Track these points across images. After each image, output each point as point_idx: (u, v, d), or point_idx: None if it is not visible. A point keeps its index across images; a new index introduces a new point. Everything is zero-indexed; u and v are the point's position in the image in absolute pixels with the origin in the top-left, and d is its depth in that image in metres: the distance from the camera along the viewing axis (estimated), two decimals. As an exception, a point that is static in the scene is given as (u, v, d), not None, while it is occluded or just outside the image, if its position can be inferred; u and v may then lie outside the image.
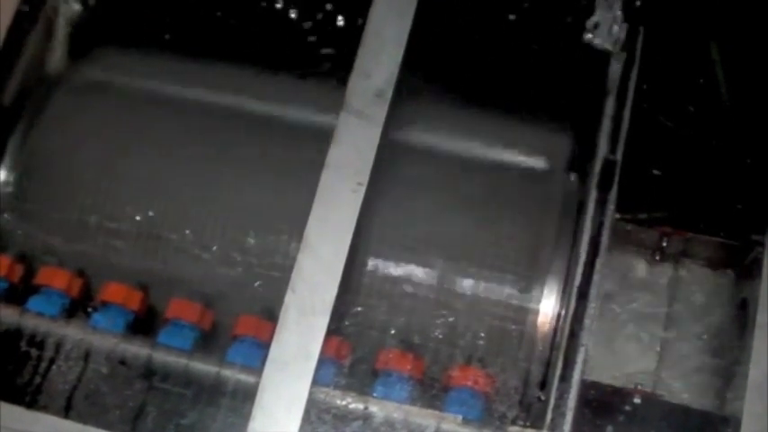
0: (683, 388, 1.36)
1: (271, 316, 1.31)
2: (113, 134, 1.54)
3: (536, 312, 1.38)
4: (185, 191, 1.49)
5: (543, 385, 1.31)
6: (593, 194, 1.36)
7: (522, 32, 1.55)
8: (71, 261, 1.45)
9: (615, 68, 1.43)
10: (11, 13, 1.54)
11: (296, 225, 1.32)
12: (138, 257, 1.47)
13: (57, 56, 1.61)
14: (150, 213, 1.47)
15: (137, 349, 1.33)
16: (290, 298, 1.26)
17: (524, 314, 1.38)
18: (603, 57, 1.45)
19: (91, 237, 1.48)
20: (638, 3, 1.45)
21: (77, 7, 1.62)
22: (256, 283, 1.44)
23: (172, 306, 1.38)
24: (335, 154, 1.33)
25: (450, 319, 1.39)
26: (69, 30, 1.61)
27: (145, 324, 1.41)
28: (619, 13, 1.44)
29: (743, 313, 1.34)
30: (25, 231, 1.50)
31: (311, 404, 1.22)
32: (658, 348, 1.39)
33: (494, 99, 1.50)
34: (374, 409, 1.27)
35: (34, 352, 1.34)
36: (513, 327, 1.38)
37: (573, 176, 1.47)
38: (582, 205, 1.38)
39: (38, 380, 1.33)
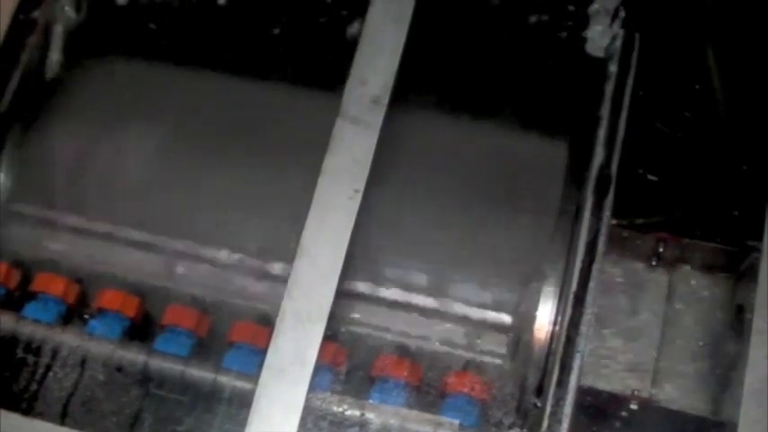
0: (680, 393, 1.36)
1: (267, 322, 1.31)
2: (111, 140, 1.54)
3: (532, 318, 1.38)
4: (183, 197, 1.49)
5: (539, 391, 1.31)
6: (589, 200, 1.36)
7: (519, 39, 1.55)
8: (68, 268, 1.45)
9: (611, 75, 1.43)
10: (8, 17, 1.54)
11: (293, 231, 1.32)
12: (135, 264, 1.47)
13: (54, 62, 1.61)
14: (148, 220, 1.47)
15: (133, 356, 1.33)
16: (286, 304, 1.26)
17: (520, 320, 1.38)
18: (599, 63, 1.45)
19: (88, 243, 1.48)
20: (634, 10, 1.45)
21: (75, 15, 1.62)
22: (253, 289, 1.44)
23: (168, 313, 1.39)
24: (332, 160, 1.33)
25: (447, 325, 1.39)
26: (67, 36, 1.61)
27: (141, 331, 1.41)
28: (614, 20, 1.44)
29: (739, 319, 1.34)
30: (22, 238, 1.50)
31: (308, 411, 1.22)
32: (655, 354, 1.39)
33: (489, 106, 1.50)
34: (371, 415, 1.27)
35: (31, 359, 1.34)
36: (510, 333, 1.38)
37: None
38: (578, 211, 1.38)
39: (34, 387, 1.33)
